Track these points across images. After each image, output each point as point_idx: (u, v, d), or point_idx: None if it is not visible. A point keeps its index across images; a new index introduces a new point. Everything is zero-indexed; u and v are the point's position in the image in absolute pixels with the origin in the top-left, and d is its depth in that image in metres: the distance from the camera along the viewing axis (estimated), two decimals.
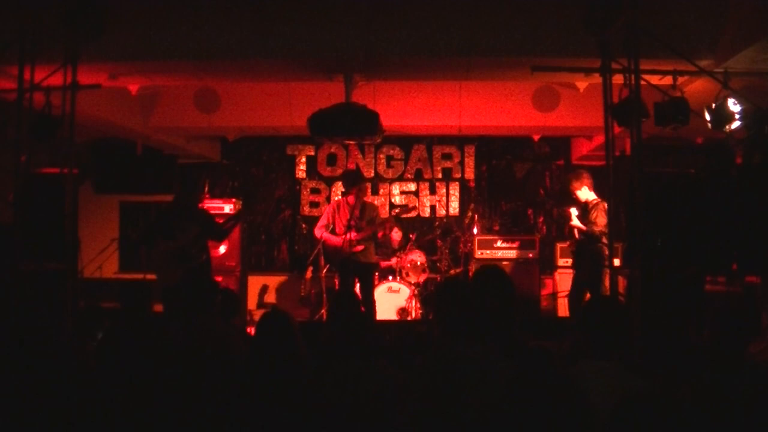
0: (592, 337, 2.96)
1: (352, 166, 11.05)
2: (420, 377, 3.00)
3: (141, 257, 7.24)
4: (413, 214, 10.51)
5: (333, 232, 7.76)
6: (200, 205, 7.33)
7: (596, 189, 7.35)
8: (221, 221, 7.22)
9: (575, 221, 7.35)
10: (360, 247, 7.63)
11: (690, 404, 2.91)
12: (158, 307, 6.63)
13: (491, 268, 3.76)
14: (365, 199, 8.26)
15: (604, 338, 2.93)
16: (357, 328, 3.57)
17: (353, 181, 8.03)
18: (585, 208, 7.29)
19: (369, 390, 3.32)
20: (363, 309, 7.45)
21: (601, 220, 7.04)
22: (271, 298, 10.82)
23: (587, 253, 7.22)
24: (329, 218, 7.85)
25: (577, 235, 7.39)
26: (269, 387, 3.29)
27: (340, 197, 7.90)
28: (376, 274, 8.57)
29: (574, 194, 7.42)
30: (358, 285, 7.83)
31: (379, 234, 7.82)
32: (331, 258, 8.16)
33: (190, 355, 4.11)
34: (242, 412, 3.27)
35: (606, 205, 7.18)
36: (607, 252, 7.17)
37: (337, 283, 8.74)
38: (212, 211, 8.11)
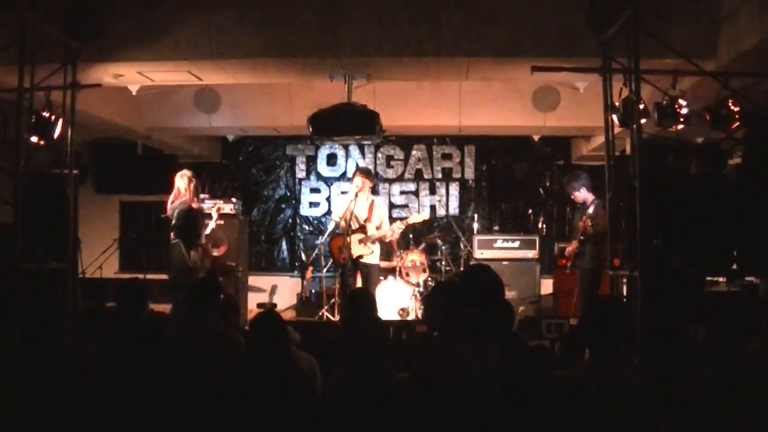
0: (595, 338, 2.95)
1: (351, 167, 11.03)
2: (420, 377, 3.00)
3: (140, 257, 7.23)
4: (419, 219, 8.95)
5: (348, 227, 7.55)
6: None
7: (593, 189, 7.35)
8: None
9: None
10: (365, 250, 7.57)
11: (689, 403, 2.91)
12: (156, 307, 6.63)
13: (479, 266, 3.76)
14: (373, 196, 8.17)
15: (608, 339, 2.91)
16: (374, 330, 3.55)
17: (370, 176, 7.98)
18: (583, 209, 7.27)
19: (369, 390, 3.32)
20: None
21: (603, 219, 7.01)
22: (271, 298, 10.82)
23: (587, 254, 7.23)
24: (345, 214, 7.70)
25: (581, 235, 7.36)
26: (264, 386, 3.29)
27: (352, 192, 7.78)
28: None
29: (572, 195, 7.40)
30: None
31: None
32: (337, 257, 8.13)
33: (189, 355, 4.12)
34: (240, 412, 3.27)
35: (604, 203, 7.17)
36: (606, 253, 7.18)
37: (337, 283, 8.70)
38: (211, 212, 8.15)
